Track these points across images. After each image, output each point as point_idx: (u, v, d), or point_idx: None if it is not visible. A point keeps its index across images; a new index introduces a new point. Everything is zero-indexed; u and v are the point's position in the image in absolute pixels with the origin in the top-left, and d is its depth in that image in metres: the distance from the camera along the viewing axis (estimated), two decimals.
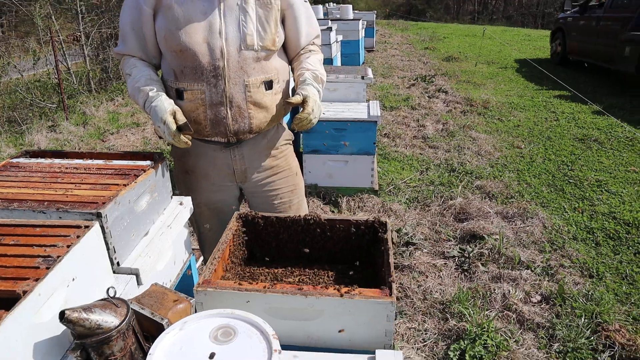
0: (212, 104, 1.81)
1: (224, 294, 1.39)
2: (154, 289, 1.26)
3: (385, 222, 1.76)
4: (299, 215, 1.79)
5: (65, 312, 0.96)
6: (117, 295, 1.10)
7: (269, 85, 1.88)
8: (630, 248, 3.32)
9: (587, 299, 2.70)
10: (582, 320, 2.50)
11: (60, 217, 1.32)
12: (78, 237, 1.19)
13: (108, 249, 1.33)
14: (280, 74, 1.93)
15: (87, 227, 1.23)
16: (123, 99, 7.76)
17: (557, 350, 2.34)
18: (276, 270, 1.80)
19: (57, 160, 1.72)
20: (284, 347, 1.03)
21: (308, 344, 1.44)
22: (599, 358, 2.30)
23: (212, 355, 1.01)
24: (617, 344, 2.36)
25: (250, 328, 1.09)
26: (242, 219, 1.82)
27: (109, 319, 1.03)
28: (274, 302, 1.38)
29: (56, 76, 7.00)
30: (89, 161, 1.70)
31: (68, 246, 1.15)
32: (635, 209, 3.84)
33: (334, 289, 1.38)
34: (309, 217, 1.78)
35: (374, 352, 1.36)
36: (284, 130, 2.14)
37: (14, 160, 1.74)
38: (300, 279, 1.76)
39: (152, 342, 1.16)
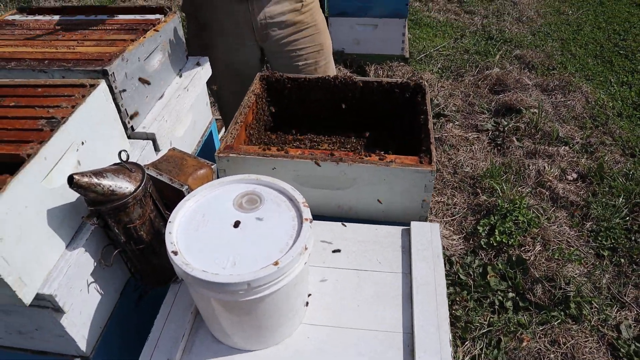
0: None
1: (248, 160, 1.28)
2: (172, 154, 1.16)
3: (423, 84, 1.58)
4: (329, 76, 1.61)
5: (74, 176, 0.87)
6: (132, 161, 1.00)
7: None
8: None
9: (627, 178, 2.56)
10: (620, 200, 2.39)
11: (63, 77, 1.18)
12: (83, 96, 1.05)
13: (120, 111, 1.21)
14: None
15: (92, 85, 1.09)
16: None
17: (590, 229, 2.27)
18: (303, 137, 1.68)
19: (56, 17, 1.54)
20: (313, 217, 0.94)
21: (338, 214, 1.36)
22: (632, 238, 2.23)
23: (237, 224, 0.92)
24: None
25: (278, 195, 1.00)
26: (266, 80, 1.65)
27: (123, 185, 0.93)
28: (303, 170, 1.28)
29: None
30: (92, 16, 1.50)
31: (73, 107, 1.03)
32: None
33: (369, 155, 1.26)
34: (340, 78, 1.60)
35: (408, 224, 1.28)
36: None
37: (9, 18, 1.56)
38: (329, 146, 1.65)
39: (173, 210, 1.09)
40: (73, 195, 1.00)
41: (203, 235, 0.91)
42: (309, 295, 1.08)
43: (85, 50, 1.26)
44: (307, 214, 0.94)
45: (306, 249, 0.89)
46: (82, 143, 1.03)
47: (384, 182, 1.27)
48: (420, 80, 1.59)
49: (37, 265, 0.91)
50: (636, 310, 1.90)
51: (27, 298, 0.88)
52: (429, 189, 1.28)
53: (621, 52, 4.03)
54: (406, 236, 1.27)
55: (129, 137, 1.25)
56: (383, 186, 1.29)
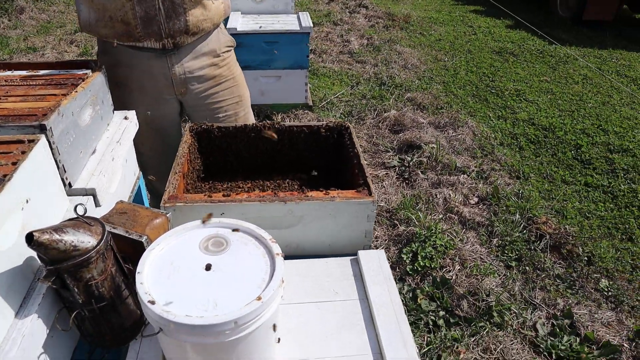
0: None
1: (195, 208, 1.28)
2: (121, 207, 1.13)
3: (348, 125, 1.70)
4: (259, 123, 1.68)
5: (34, 233, 0.82)
6: (88, 215, 0.96)
7: None
8: (549, 150, 3.60)
9: (518, 197, 2.92)
10: (516, 216, 2.71)
11: None
12: (23, 152, 1.00)
13: (58, 167, 1.15)
14: None
15: (31, 141, 1.04)
16: (10, 20, 6.71)
17: (497, 244, 2.54)
18: (237, 184, 1.70)
19: None
20: None
21: (286, 252, 1.39)
22: (531, 248, 2.53)
23: (208, 267, 0.93)
24: (546, 234, 2.60)
25: (243, 235, 1.02)
26: (195, 131, 1.67)
27: (85, 239, 0.90)
28: (251, 212, 1.30)
29: None
30: (8, 72, 1.43)
31: (14, 164, 0.97)
32: (550, 115, 4.13)
33: (316, 192, 1.33)
34: (269, 124, 1.67)
35: (354, 254, 1.36)
36: (225, 35, 1.95)
37: None
38: (263, 190, 1.68)
39: (131, 264, 1.05)
40: (21, 257, 0.93)
41: (176, 282, 0.89)
42: None
43: (13, 106, 1.19)
44: (277, 249, 0.97)
45: (283, 281, 0.92)
46: (27, 201, 0.97)
47: (329, 216, 1.35)
48: (344, 122, 1.71)
49: None
50: (546, 310, 2.15)
51: None
52: (371, 219, 1.37)
53: (492, 91, 4.63)
54: (355, 265, 1.34)
55: (67, 194, 1.19)
56: (328, 221, 1.36)
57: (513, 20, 6.92)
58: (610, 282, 2.35)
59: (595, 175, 3.25)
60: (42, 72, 1.41)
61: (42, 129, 1.10)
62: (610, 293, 2.29)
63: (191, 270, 0.92)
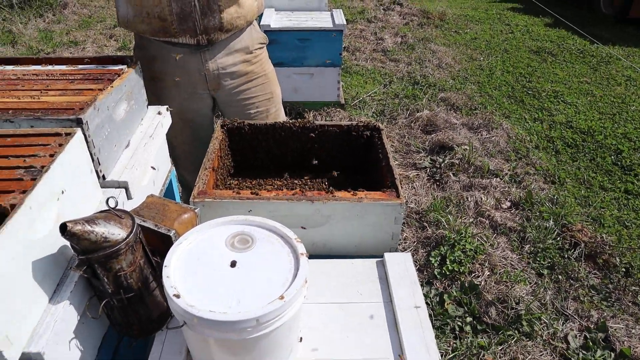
0: None
1: (224, 204, 1.30)
2: (151, 201, 1.15)
3: (379, 126, 1.69)
4: (289, 121, 1.68)
5: (67, 224, 0.84)
6: (119, 208, 0.98)
7: None
8: (587, 155, 3.48)
9: (552, 203, 2.83)
10: (550, 223, 2.63)
11: (31, 126, 1.15)
12: (60, 145, 1.03)
13: (92, 160, 1.19)
14: None
15: (68, 134, 1.07)
16: (54, 15, 6.95)
17: (529, 251, 2.47)
18: (266, 181, 1.72)
19: (9, 67, 1.49)
20: None
21: (313, 251, 1.40)
22: (565, 256, 2.45)
23: (233, 264, 0.94)
24: (581, 242, 2.51)
25: (269, 234, 1.02)
26: (227, 127, 1.69)
27: (115, 231, 0.92)
28: (279, 210, 1.31)
29: None
30: (49, 67, 1.48)
31: (51, 155, 1.01)
32: (589, 118, 3.99)
33: (343, 193, 1.32)
34: (300, 123, 1.68)
35: (382, 256, 1.34)
36: (258, 33, 1.96)
37: None
38: (292, 188, 1.69)
39: (159, 257, 1.07)
40: (55, 246, 0.96)
41: (201, 277, 0.91)
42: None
43: (52, 99, 1.23)
44: (301, 249, 0.97)
45: (306, 282, 0.92)
46: (62, 192, 1.00)
47: (357, 217, 1.34)
48: (375, 123, 1.70)
49: (23, 322, 0.86)
50: (578, 322, 2.08)
51: (13, 358, 0.82)
52: (399, 222, 1.36)
53: (529, 92, 4.50)
54: (381, 267, 1.32)
55: (100, 187, 1.22)
56: (355, 221, 1.35)
57: (552, 18, 6.72)
58: None
59: (637, 182, 3.12)
60: (80, 67, 1.45)
61: (79, 122, 1.13)
62: None
63: (216, 266, 0.93)
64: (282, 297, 0.85)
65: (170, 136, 2.05)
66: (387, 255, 1.33)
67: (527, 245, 2.50)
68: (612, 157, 3.42)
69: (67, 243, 0.97)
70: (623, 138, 3.65)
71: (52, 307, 0.93)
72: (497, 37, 6.11)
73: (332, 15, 3.86)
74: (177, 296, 0.85)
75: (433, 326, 2.00)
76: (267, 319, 0.84)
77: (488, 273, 2.28)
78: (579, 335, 2.02)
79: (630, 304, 2.21)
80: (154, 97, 1.90)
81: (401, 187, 1.36)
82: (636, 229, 2.70)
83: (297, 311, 0.92)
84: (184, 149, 2.10)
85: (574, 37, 6.01)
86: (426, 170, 3.18)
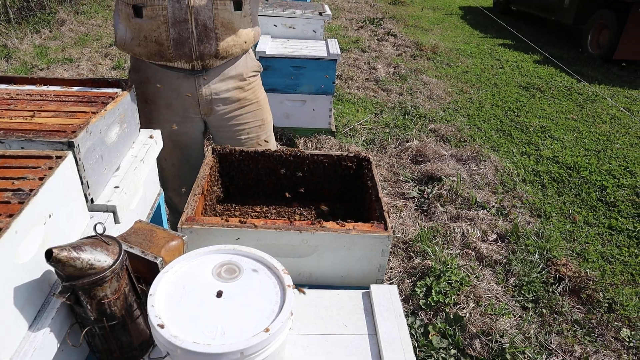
0: (175, 22, 1.63)
1: (212, 231, 1.30)
2: (139, 226, 1.15)
3: (369, 157, 1.71)
4: (280, 150, 1.70)
5: (53, 250, 0.84)
6: (107, 234, 0.98)
7: (237, 5, 1.72)
8: (572, 190, 3.53)
9: (537, 236, 2.86)
10: (535, 256, 2.65)
11: (22, 147, 1.15)
12: (51, 168, 1.04)
13: (82, 183, 1.18)
14: None
15: (59, 157, 1.07)
16: (50, 31, 6.99)
17: (514, 284, 2.48)
18: (254, 208, 1.72)
19: (3, 86, 1.50)
20: None
21: (299, 281, 1.40)
22: (549, 290, 2.47)
23: (219, 294, 0.93)
24: (565, 276, 2.53)
25: (256, 264, 1.02)
26: (218, 153, 1.70)
27: (101, 258, 0.91)
28: (266, 239, 1.31)
29: None
30: (43, 87, 1.49)
31: (40, 178, 1.00)
32: (575, 154, 4.07)
33: (331, 223, 1.33)
34: (291, 152, 1.69)
35: (367, 287, 1.34)
36: (253, 61, 2.00)
37: None
38: (279, 216, 1.69)
39: (144, 284, 1.06)
40: (38, 271, 0.95)
41: (186, 307, 0.90)
42: None
43: (45, 121, 1.24)
44: (288, 280, 0.97)
45: (292, 314, 0.91)
46: (50, 216, 1.00)
47: (344, 248, 1.34)
48: (365, 154, 1.72)
49: (1, 350, 0.84)
50: (562, 356, 2.08)
51: None
52: (386, 254, 1.37)
53: (517, 126, 4.59)
54: (367, 299, 1.32)
55: (88, 210, 1.22)
56: (342, 252, 1.35)
57: (541, 55, 6.91)
58: (633, 332, 2.27)
59: (620, 219, 3.17)
60: (75, 88, 1.46)
61: (70, 145, 1.13)
62: (632, 344, 2.21)
63: (202, 295, 0.93)
64: (267, 330, 0.85)
65: (160, 158, 2.06)
66: (373, 287, 1.33)
67: (512, 278, 2.51)
68: (597, 192, 3.49)
69: (52, 268, 0.96)
70: (607, 175, 3.72)
71: (32, 334, 0.91)
72: (487, 72, 6.26)
73: (327, 44, 3.94)
74: (162, 326, 0.84)
75: (417, 358, 1.99)
76: (252, 351, 0.83)
77: (473, 305, 2.28)
78: None
79: (612, 339, 2.23)
80: (146, 120, 1.91)
81: (389, 218, 1.37)
82: (619, 265, 2.73)
83: (282, 344, 0.91)
84: (173, 171, 2.11)
85: (562, 75, 6.18)
86: (414, 200, 3.21)
